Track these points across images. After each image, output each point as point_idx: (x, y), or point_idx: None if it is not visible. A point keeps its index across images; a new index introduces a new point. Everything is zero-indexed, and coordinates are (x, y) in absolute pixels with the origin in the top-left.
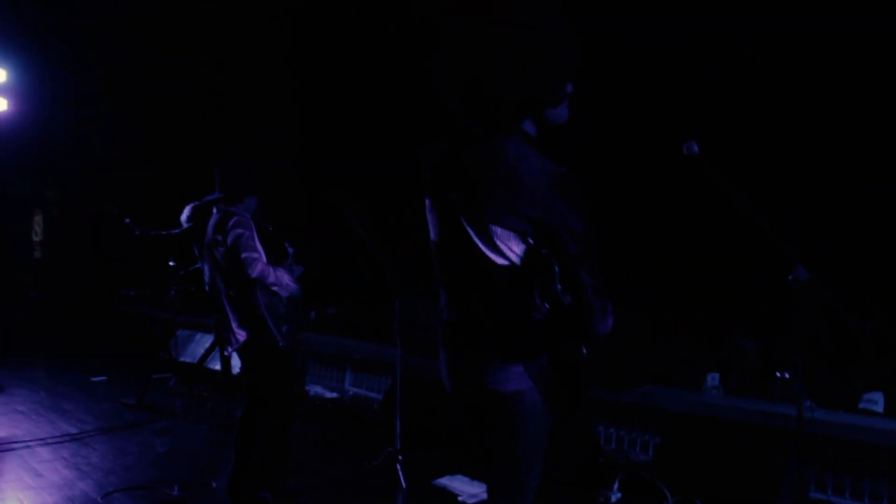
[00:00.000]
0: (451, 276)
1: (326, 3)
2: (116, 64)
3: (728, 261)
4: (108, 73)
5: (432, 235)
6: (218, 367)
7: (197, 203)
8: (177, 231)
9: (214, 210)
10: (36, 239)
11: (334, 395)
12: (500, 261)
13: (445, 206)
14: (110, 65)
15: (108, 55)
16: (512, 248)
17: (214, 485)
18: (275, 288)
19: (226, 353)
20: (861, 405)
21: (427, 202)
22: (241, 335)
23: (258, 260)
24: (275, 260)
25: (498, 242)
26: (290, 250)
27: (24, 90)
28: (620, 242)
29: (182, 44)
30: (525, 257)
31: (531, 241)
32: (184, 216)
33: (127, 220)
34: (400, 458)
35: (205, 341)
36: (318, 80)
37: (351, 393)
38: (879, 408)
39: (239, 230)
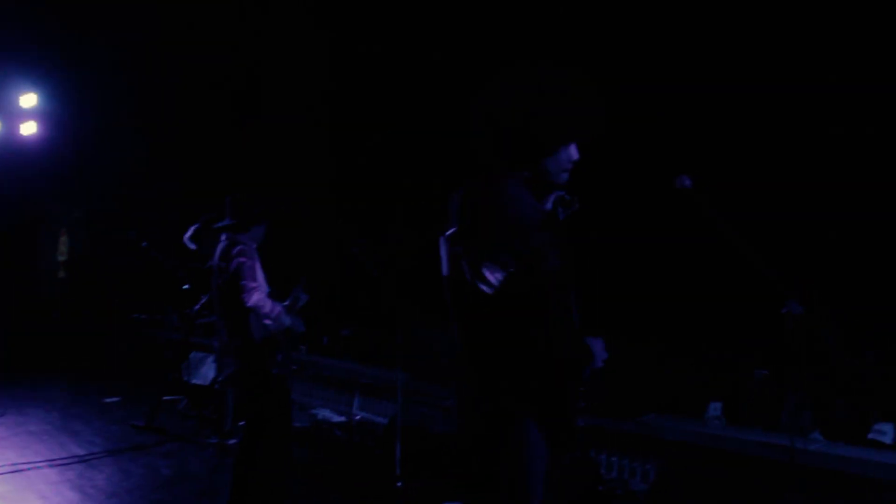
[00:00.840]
0: (458, 309)
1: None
2: (145, 88)
3: (735, 289)
4: (137, 96)
5: (443, 271)
6: None
7: (198, 225)
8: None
9: (223, 237)
10: (61, 259)
11: (342, 418)
12: (488, 291)
13: (451, 242)
14: (139, 89)
15: (137, 79)
16: (497, 280)
17: None
18: (267, 321)
19: (219, 379)
20: (870, 435)
21: (440, 240)
22: (236, 362)
23: (256, 289)
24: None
25: (486, 274)
26: (302, 280)
27: (54, 113)
28: (624, 271)
29: (214, 68)
30: (509, 289)
31: (513, 272)
32: (186, 236)
33: (154, 254)
34: (399, 483)
35: None
36: (349, 112)
37: (358, 417)
38: (888, 439)
39: (241, 259)
